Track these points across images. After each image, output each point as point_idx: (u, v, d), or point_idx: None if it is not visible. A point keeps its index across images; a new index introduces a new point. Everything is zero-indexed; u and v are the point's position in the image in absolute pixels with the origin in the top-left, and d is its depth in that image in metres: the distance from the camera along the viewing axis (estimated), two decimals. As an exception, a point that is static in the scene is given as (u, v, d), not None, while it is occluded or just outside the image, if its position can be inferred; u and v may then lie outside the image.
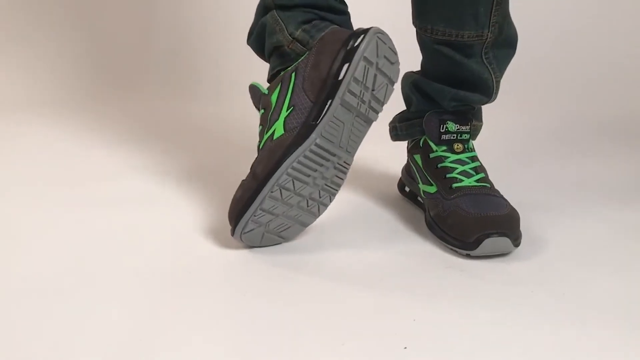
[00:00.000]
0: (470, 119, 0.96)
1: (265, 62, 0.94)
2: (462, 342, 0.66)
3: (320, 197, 0.86)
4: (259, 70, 1.05)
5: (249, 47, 0.97)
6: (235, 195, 0.85)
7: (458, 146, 0.95)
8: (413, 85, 1.00)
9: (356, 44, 0.81)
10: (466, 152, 0.95)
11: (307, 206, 0.86)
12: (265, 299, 0.75)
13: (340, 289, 0.77)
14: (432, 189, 0.94)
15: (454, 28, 0.91)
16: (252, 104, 0.91)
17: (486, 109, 1.02)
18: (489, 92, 0.96)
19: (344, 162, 0.85)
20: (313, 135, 0.81)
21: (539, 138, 1.48)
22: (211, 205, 1.00)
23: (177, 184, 1.11)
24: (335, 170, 0.84)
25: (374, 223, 0.98)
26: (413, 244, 0.90)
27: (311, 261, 0.84)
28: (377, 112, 0.85)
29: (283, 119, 0.83)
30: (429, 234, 0.91)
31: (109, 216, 0.97)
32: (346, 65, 0.80)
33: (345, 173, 0.86)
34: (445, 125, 0.94)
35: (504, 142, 1.40)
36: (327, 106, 0.81)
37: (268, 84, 0.90)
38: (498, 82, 0.96)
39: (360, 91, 0.82)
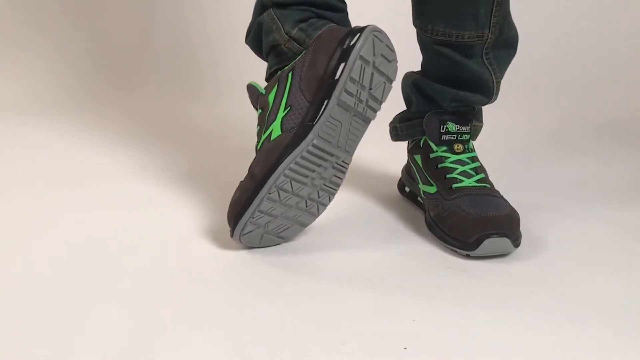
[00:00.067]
0: (471, 119, 0.96)
1: (264, 62, 0.94)
2: (462, 342, 0.66)
3: (319, 197, 0.86)
4: (258, 70, 1.05)
5: (248, 47, 0.97)
6: (233, 197, 0.84)
7: (458, 146, 0.95)
8: (413, 85, 1.00)
9: (352, 42, 0.80)
10: (466, 152, 0.95)
11: (306, 206, 0.85)
12: (265, 299, 0.75)
13: (340, 289, 0.77)
14: (432, 189, 0.94)
15: (455, 28, 0.91)
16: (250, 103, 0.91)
17: (486, 110, 1.02)
18: (489, 93, 0.96)
19: (343, 161, 0.85)
20: (310, 136, 0.80)
21: (539, 138, 1.48)
22: (211, 205, 1.00)
23: (177, 184, 1.11)
24: (333, 170, 0.84)
25: (374, 223, 0.98)
26: (413, 244, 0.90)
27: (311, 261, 0.84)
28: (375, 111, 0.85)
29: (280, 120, 0.83)
30: (429, 235, 0.91)
31: (109, 216, 0.97)
32: (342, 65, 0.80)
33: (344, 173, 0.86)
34: (445, 126, 0.94)
35: (504, 143, 1.40)
36: (323, 106, 0.80)
37: (266, 83, 0.90)
38: (498, 83, 0.96)
39: (357, 90, 0.81)
